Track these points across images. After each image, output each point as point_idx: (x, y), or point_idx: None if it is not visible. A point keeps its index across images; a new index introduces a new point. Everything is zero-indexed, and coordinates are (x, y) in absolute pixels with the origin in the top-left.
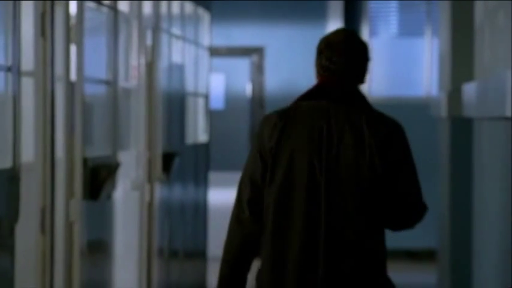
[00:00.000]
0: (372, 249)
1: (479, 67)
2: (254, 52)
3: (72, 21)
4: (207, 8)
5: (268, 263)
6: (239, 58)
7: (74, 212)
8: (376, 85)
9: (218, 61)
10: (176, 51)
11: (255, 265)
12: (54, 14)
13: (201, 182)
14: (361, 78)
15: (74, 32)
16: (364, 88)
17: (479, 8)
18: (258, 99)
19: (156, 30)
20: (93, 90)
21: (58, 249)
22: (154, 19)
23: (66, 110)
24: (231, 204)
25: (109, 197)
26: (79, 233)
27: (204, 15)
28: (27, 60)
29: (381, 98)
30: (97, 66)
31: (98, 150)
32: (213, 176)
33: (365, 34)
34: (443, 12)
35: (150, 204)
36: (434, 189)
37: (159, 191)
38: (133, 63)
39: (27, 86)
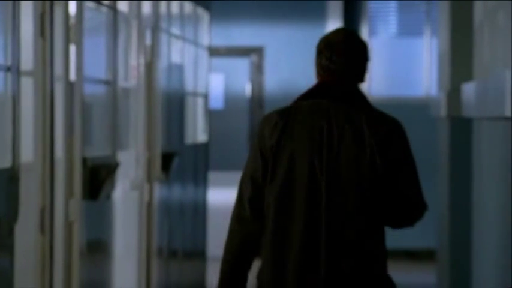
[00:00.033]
0: (373, 248)
1: (478, 67)
2: (253, 52)
3: (72, 21)
4: (207, 7)
5: (269, 262)
6: (238, 58)
7: (73, 211)
8: (375, 85)
9: (218, 61)
10: (176, 51)
11: (256, 264)
12: (53, 14)
13: (201, 181)
14: (360, 78)
15: (74, 32)
16: (364, 88)
17: (478, 8)
18: (257, 99)
19: (156, 30)
20: (93, 90)
21: (57, 249)
22: (154, 19)
23: (66, 110)
24: (231, 204)
25: (108, 196)
26: (78, 232)
27: (204, 15)
28: (27, 60)
29: (380, 97)
30: (96, 66)
31: (98, 150)
32: (212, 175)
33: (364, 34)
34: (443, 12)
35: (150, 204)
36: (434, 189)
37: (159, 191)
38: (133, 63)
39: (27, 86)
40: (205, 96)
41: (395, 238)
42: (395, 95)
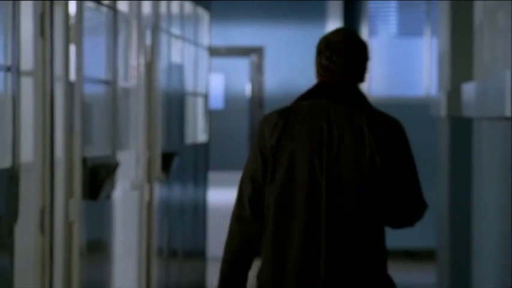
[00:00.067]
0: (373, 248)
1: (478, 67)
2: (253, 52)
3: (72, 21)
4: (207, 7)
5: (269, 262)
6: (238, 58)
7: (73, 211)
8: (375, 85)
9: (217, 61)
10: (175, 51)
11: (256, 264)
12: (53, 14)
13: (201, 181)
14: (360, 78)
15: (74, 32)
16: (364, 88)
17: (478, 8)
18: (257, 99)
19: (156, 30)
20: (93, 90)
21: (57, 249)
22: (154, 19)
23: (66, 109)
24: (231, 204)
25: (108, 196)
26: (78, 232)
27: (204, 15)
28: (27, 60)
29: (380, 97)
30: (96, 66)
31: (98, 150)
32: (212, 175)
33: (364, 34)
34: (443, 12)
35: (150, 204)
36: (434, 189)
37: (159, 191)
38: (133, 63)
39: (27, 85)
40: (205, 96)
41: (395, 238)
42: (395, 95)
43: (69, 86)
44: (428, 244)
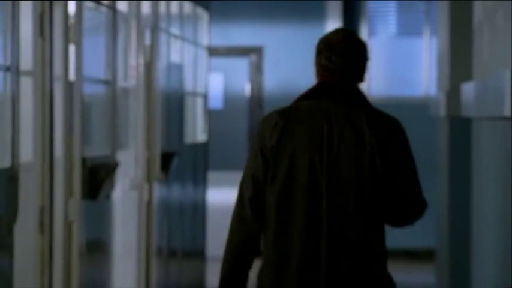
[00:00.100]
0: (373, 248)
1: (478, 67)
2: (253, 52)
3: (71, 21)
4: (206, 7)
5: (270, 262)
6: (238, 58)
7: (72, 211)
8: (375, 85)
9: (217, 61)
10: (175, 51)
11: (256, 264)
12: (52, 14)
13: (200, 181)
14: (360, 78)
15: (73, 32)
16: (363, 88)
17: (477, 8)
18: (256, 99)
19: (155, 30)
20: (92, 90)
21: (57, 249)
22: (153, 19)
23: (65, 109)
24: (230, 203)
25: (108, 196)
26: (78, 232)
27: (203, 15)
28: (26, 60)
29: (379, 97)
30: (96, 66)
31: (97, 150)
32: (211, 175)
33: (364, 34)
34: (442, 12)
35: (149, 204)
36: (433, 189)
37: (158, 191)
38: (132, 63)
39: (26, 85)
40: (205, 96)
41: (394, 238)
42: (395, 95)
43: (69, 86)
44: (428, 244)
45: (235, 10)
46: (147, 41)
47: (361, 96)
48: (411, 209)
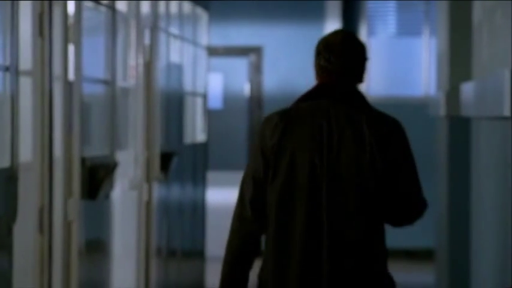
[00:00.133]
0: (374, 247)
1: (477, 66)
2: (252, 52)
3: (70, 21)
4: (205, 7)
5: (271, 261)
6: (237, 58)
7: (72, 211)
8: (374, 85)
9: (216, 61)
10: (174, 51)
11: (257, 264)
12: (52, 13)
13: (199, 181)
14: (359, 78)
15: (72, 32)
16: (363, 88)
17: (477, 8)
18: (256, 99)
19: (154, 29)
20: (91, 90)
21: (56, 249)
22: (153, 19)
23: (64, 109)
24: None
25: (107, 196)
26: (77, 232)
27: (202, 15)
28: (26, 59)
29: (379, 97)
30: (95, 65)
31: (96, 150)
32: (211, 175)
33: (363, 34)
34: (442, 12)
35: (148, 204)
36: (433, 188)
37: (157, 191)
38: (132, 63)
39: (25, 85)
40: (204, 96)
41: (394, 238)
42: (394, 95)
43: (68, 86)
44: (427, 244)
45: (235, 10)
46: (147, 40)
47: (360, 97)
48: (411, 208)
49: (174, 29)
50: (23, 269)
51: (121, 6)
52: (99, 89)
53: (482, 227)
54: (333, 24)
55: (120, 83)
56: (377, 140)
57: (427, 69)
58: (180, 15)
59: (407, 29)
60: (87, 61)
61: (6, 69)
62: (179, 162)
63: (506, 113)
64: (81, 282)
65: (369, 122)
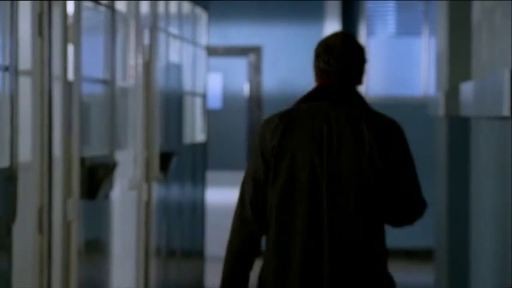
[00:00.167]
0: (374, 247)
1: (476, 66)
2: (251, 51)
3: (70, 21)
4: (205, 7)
5: (271, 262)
6: (236, 58)
7: (71, 211)
8: (373, 85)
9: (216, 60)
10: (174, 51)
11: (257, 264)
12: (51, 13)
13: (199, 181)
14: (358, 80)
15: (72, 32)
16: (362, 88)
17: (476, 8)
18: (255, 99)
19: (154, 29)
20: (91, 90)
21: (55, 249)
22: (152, 18)
23: (64, 109)
24: (229, 203)
25: (106, 196)
26: (76, 232)
27: (202, 15)
28: (25, 59)
29: (378, 97)
30: (94, 65)
31: (96, 150)
32: (210, 175)
33: (362, 34)
34: (441, 12)
35: (148, 204)
36: (432, 188)
37: (157, 191)
38: (131, 63)
39: (25, 85)
40: (204, 96)
41: (394, 238)
42: (394, 95)
43: (67, 86)
44: (427, 243)
45: (234, 10)
46: (146, 40)
47: (359, 98)
48: (411, 209)
49: (173, 29)
50: (22, 268)
51: (120, 6)
52: (98, 89)
53: (481, 227)
54: (332, 24)
55: (119, 83)
56: (376, 140)
57: (427, 69)
58: (180, 15)
59: (406, 29)
60: (87, 61)
61: (6, 69)
62: (178, 162)
63: (506, 112)
64: (81, 282)
65: (368, 122)
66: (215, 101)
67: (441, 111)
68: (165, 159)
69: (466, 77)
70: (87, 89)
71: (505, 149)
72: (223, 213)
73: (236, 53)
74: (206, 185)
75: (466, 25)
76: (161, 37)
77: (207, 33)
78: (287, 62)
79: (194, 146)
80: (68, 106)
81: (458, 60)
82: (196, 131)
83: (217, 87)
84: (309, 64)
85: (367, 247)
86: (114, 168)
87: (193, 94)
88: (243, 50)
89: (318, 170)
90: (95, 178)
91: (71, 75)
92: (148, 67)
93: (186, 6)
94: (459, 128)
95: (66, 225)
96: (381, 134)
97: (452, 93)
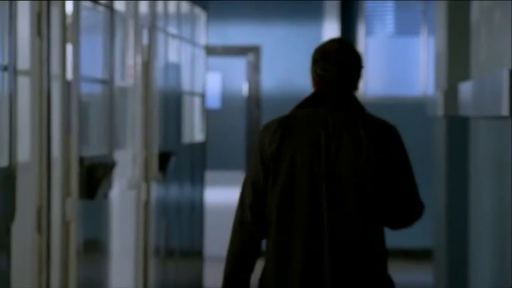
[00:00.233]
0: (373, 247)
1: (475, 66)
2: (250, 51)
3: (69, 21)
4: (204, 7)
5: (272, 264)
6: (235, 57)
7: (70, 211)
8: (372, 84)
9: (214, 60)
10: (172, 51)
11: (258, 265)
12: (50, 13)
13: (198, 181)
14: (355, 86)
15: (70, 31)
16: (360, 88)
17: (475, 7)
18: (254, 99)
19: (153, 29)
20: (90, 89)
21: (54, 249)
22: (151, 18)
23: (63, 109)
24: (228, 203)
25: (105, 196)
26: (75, 232)
27: (201, 14)
28: (24, 59)
29: (377, 97)
30: (93, 65)
31: (94, 149)
32: (209, 175)
33: (361, 33)
34: (440, 12)
35: (147, 204)
36: (431, 188)
37: (156, 190)
38: (130, 62)
39: (24, 85)
40: (202, 96)
41: (392, 238)
42: (392, 95)
43: (66, 85)
44: (426, 243)
45: (233, 9)
46: (145, 40)
47: (356, 103)
48: (409, 210)
49: (172, 29)
50: (21, 268)
51: (119, 6)
52: (97, 89)
53: (480, 227)
54: (331, 24)
55: (118, 82)
56: (374, 143)
57: (425, 69)
58: (178, 15)
59: (405, 29)
60: (85, 61)
61: (5, 68)
62: (177, 162)
63: (505, 112)
64: (80, 282)
65: (365, 126)
66: (214, 100)
67: (440, 111)
68: (164, 159)
69: (465, 76)
70: (86, 88)
71: (504, 148)
72: (222, 213)
73: (235, 52)
74: (205, 185)
75: (465, 25)
76: (160, 37)
77: (206, 32)
78: (286, 62)
79: (193, 146)
80: (66, 106)
81: (457, 60)
82: (195, 131)
83: (216, 87)
84: (308, 64)
85: (367, 247)
86: (113, 168)
87: (192, 94)
88: (242, 49)
89: (316, 171)
90: (94, 178)
91: (69, 75)
92: (147, 67)
93: (185, 6)
94: (458, 127)
95: (65, 225)
96: (378, 137)
97: (451, 93)
